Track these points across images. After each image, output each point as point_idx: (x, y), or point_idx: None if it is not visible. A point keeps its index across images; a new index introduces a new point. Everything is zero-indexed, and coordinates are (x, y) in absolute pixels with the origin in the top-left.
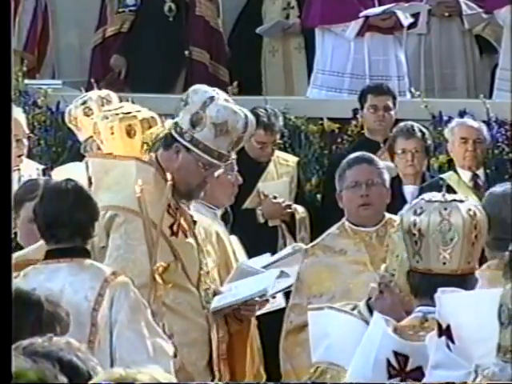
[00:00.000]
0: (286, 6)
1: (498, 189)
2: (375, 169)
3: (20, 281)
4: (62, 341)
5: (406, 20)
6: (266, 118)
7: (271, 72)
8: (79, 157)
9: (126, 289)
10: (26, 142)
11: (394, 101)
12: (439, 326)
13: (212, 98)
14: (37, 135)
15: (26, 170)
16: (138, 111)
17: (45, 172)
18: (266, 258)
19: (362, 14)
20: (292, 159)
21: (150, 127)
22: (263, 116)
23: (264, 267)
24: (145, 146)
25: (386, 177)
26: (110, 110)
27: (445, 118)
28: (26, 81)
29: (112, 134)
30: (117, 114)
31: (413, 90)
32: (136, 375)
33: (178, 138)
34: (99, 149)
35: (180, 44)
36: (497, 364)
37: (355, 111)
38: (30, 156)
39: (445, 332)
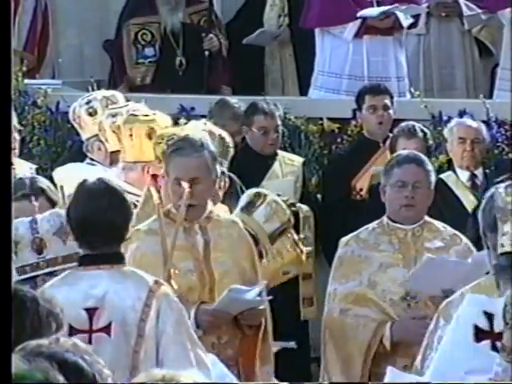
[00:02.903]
0: (281, 13)
1: None
2: (423, 170)
3: (59, 285)
4: (69, 342)
5: (406, 21)
6: (265, 104)
7: (271, 78)
8: (80, 156)
9: (169, 299)
10: (17, 136)
11: (392, 100)
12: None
13: None
14: (37, 135)
15: (20, 169)
16: (154, 113)
17: (38, 172)
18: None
19: (358, 15)
20: (297, 159)
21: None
22: (262, 104)
23: None
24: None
25: (433, 179)
26: (115, 109)
27: (444, 118)
28: (26, 81)
29: (130, 135)
30: (135, 116)
31: (412, 90)
32: (179, 377)
33: None
34: (100, 149)
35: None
36: (500, 364)
37: (355, 111)
38: (30, 156)
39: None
